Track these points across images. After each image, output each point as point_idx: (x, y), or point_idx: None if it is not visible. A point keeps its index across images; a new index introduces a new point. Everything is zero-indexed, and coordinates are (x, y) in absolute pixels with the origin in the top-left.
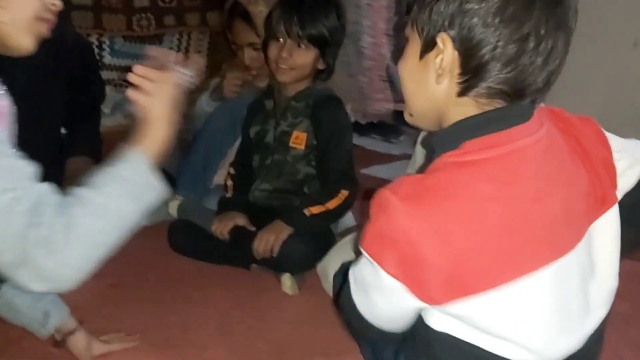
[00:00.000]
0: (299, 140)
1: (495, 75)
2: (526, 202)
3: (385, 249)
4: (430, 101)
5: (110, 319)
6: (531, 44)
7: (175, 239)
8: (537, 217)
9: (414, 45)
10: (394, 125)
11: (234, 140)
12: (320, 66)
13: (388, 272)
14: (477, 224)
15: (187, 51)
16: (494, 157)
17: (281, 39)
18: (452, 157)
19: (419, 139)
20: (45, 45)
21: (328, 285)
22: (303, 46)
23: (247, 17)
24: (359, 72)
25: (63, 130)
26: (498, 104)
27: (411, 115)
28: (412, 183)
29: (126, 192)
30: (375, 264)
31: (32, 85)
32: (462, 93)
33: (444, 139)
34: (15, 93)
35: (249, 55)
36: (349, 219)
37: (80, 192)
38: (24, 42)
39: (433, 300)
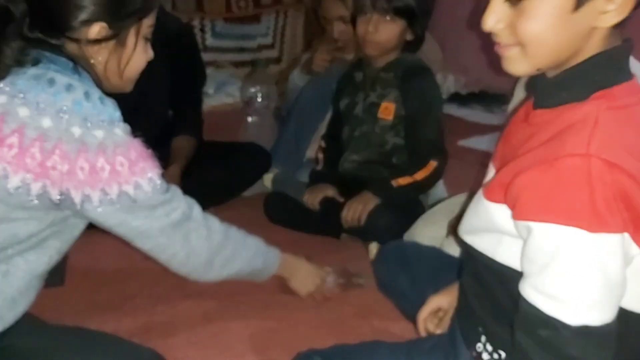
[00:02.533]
0: (387, 111)
1: None
2: None
3: (615, 210)
4: (575, 46)
5: None
6: None
7: (270, 209)
8: None
9: (553, 2)
10: (497, 94)
11: (325, 113)
12: (409, 37)
13: (619, 231)
14: None
15: (283, 29)
16: None
17: (368, 13)
18: (604, 103)
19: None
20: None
21: None
22: (389, 19)
23: None
24: None
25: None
26: None
27: (539, 69)
28: (589, 140)
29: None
30: (611, 235)
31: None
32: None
33: (580, 81)
34: None
35: (338, 29)
36: (440, 191)
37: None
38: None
39: None
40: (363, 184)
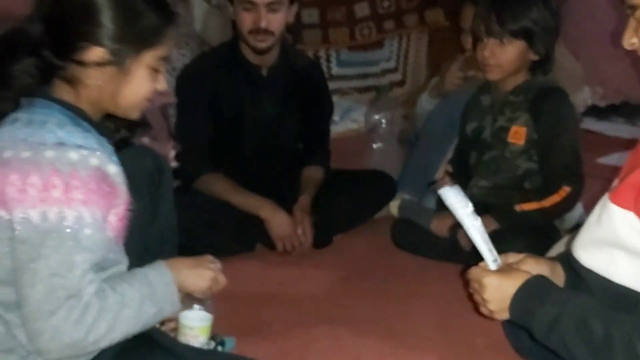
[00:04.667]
0: (518, 135)
1: None
2: None
3: None
4: None
5: (343, 307)
6: None
7: (397, 236)
8: None
9: None
10: None
11: (454, 137)
12: (533, 57)
13: None
14: None
15: (406, 52)
16: None
17: (484, 39)
18: None
19: None
20: (282, 72)
21: None
22: (506, 42)
23: (476, 2)
24: None
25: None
26: None
27: None
28: None
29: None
30: None
31: (275, 109)
32: None
33: None
34: (264, 118)
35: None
36: (578, 214)
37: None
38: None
39: None
40: (493, 210)
